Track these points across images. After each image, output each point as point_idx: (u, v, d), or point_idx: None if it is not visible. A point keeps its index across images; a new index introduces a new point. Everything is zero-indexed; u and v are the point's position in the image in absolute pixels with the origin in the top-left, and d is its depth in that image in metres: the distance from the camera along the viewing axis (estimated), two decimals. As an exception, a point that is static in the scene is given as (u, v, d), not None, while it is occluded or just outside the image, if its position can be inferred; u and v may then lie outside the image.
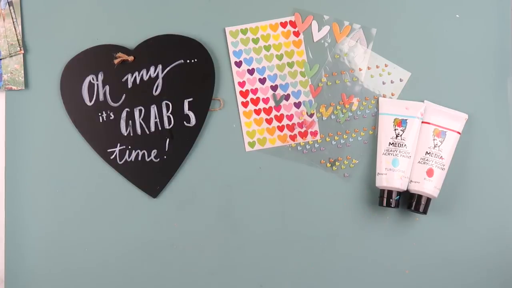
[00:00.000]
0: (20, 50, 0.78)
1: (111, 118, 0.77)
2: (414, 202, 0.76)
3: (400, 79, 0.80)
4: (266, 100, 0.79)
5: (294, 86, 0.79)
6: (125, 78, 0.78)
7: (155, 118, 0.78)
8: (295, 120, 0.79)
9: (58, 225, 0.77)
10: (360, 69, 0.80)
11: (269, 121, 0.79)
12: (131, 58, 0.77)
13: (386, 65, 0.80)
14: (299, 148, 0.79)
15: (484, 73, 0.81)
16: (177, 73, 0.78)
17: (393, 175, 0.75)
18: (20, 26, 0.79)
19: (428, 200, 0.76)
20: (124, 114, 0.78)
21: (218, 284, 0.77)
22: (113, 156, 0.77)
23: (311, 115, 0.79)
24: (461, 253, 0.79)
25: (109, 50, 0.78)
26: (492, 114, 0.80)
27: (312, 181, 0.79)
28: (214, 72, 0.78)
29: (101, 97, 0.78)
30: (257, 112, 0.79)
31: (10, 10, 0.79)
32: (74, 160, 0.77)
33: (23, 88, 0.78)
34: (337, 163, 0.79)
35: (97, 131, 0.77)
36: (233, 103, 0.79)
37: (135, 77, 0.78)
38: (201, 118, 0.78)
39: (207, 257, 0.78)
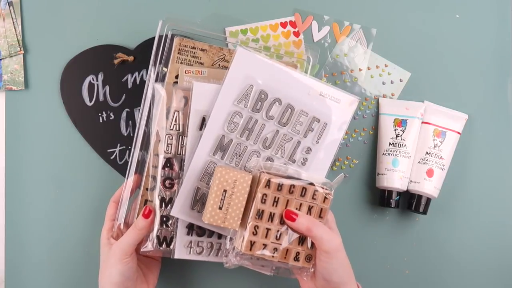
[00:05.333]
0: (20, 50, 0.78)
1: (111, 118, 0.77)
2: (414, 202, 0.76)
3: (400, 79, 0.80)
4: (266, 100, 0.79)
5: (294, 86, 0.79)
6: (125, 78, 0.78)
7: (155, 118, 0.78)
8: (295, 120, 0.79)
9: (58, 225, 0.77)
10: (360, 69, 0.80)
11: (269, 121, 0.79)
12: (131, 58, 0.77)
13: (386, 65, 0.80)
14: (299, 148, 0.79)
15: (484, 73, 0.81)
16: (177, 73, 0.78)
17: (393, 175, 0.75)
18: (20, 26, 0.79)
19: (428, 200, 0.76)
20: (124, 114, 0.78)
21: (219, 284, 0.77)
22: (113, 156, 0.77)
23: (311, 115, 0.79)
24: (461, 253, 0.79)
25: (109, 50, 0.78)
26: (492, 114, 0.80)
27: (312, 181, 0.79)
28: (214, 72, 0.78)
29: (101, 97, 0.78)
30: (257, 112, 0.79)
31: (10, 10, 0.79)
32: (74, 160, 0.77)
33: (23, 88, 0.78)
34: (337, 163, 0.79)
35: (97, 131, 0.77)
36: (233, 103, 0.79)
37: (135, 77, 0.78)
38: (201, 118, 0.78)
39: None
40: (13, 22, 0.79)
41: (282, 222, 0.62)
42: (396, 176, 0.75)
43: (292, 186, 0.61)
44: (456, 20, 0.81)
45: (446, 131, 0.77)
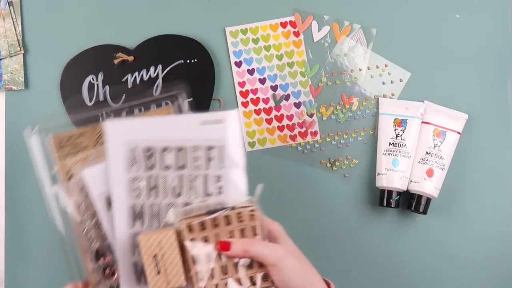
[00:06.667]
0: (20, 50, 0.78)
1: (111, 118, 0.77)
2: (414, 202, 0.76)
3: (400, 79, 0.80)
4: (266, 100, 0.79)
5: (294, 86, 0.80)
6: (125, 78, 0.78)
7: (155, 118, 0.78)
8: (295, 120, 0.79)
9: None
10: (360, 69, 0.80)
11: (269, 121, 0.79)
12: (131, 58, 0.77)
13: (386, 65, 0.80)
14: (299, 148, 0.79)
15: (484, 73, 0.81)
16: (177, 73, 0.78)
17: (393, 175, 0.75)
18: (20, 26, 0.79)
19: (428, 200, 0.76)
20: (124, 114, 0.78)
21: (218, 284, 0.77)
22: (113, 156, 0.77)
23: (311, 115, 0.79)
24: (461, 253, 0.79)
25: (109, 50, 0.78)
26: (492, 114, 0.80)
27: (312, 181, 0.79)
28: (214, 72, 0.78)
29: (101, 97, 0.78)
30: (257, 112, 0.79)
31: (10, 10, 0.79)
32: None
33: (23, 88, 0.78)
34: (337, 163, 0.79)
35: (97, 131, 0.77)
36: (233, 103, 0.79)
37: (135, 77, 0.78)
38: (201, 118, 0.78)
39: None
40: (13, 22, 0.79)
41: (221, 257, 0.60)
42: (396, 176, 0.75)
43: (214, 219, 0.61)
44: (456, 20, 0.81)
45: (446, 131, 0.77)
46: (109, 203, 0.64)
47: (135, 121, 0.65)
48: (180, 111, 0.71)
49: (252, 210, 0.61)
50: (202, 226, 0.60)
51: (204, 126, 0.65)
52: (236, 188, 0.65)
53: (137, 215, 0.64)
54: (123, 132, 0.64)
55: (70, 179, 0.66)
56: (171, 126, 0.65)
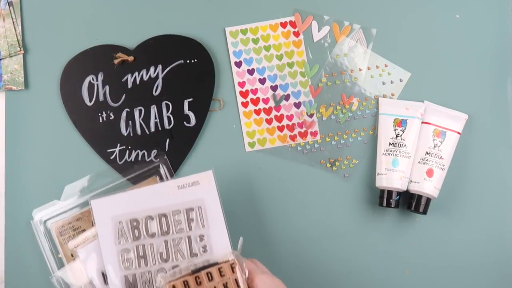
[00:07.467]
0: (20, 50, 0.78)
1: (111, 118, 0.77)
2: (414, 202, 0.76)
3: (400, 79, 0.80)
4: (266, 101, 0.79)
5: (294, 86, 0.80)
6: (125, 78, 0.78)
7: (155, 118, 0.78)
8: (295, 120, 0.79)
9: (58, 225, 0.77)
10: (360, 69, 0.80)
11: (269, 122, 0.79)
12: (131, 58, 0.78)
13: (386, 65, 0.80)
14: (299, 148, 0.79)
15: (484, 73, 0.81)
16: (177, 73, 0.78)
17: (393, 175, 0.75)
18: (20, 26, 0.79)
19: (428, 200, 0.76)
20: (124, 114, 0.78)
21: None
22: (113, 156, 0.77)
23: (311, 115, 0.79)
24: (461, 253, 0.79)
25: (109, 50, 0.78)
26: (492, 114, 0.80)
27: (312, 181, 0.79)
28: (214, 72, 0.78)
29: (101, 97, 0.78)
30: (257, 112, 0.79)
31: (10, 10, 0.79)
32: (74, 160, 0.77)
33: (23, 88, 0.78)
34: (337, 163, 0.79)
35: (97, 131, 0.77)
36: (233, 104, 0.79)
37: (135, 77, 0.78)
38: (201, 118, 0.78)
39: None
40: (13, 22, 0.79)
41: None
42: (396, 176, 0.75)
43: (197, 277, 0.62)
44: (456, 20, 0.81)
45: (446, 131, 0.77)
46: (104, 278, 0.67)
47: (117, 196, 0.68)
48: (161, 178, 0.75)
49: (232, 263, 0.63)
50: (187, 285, 0.62)
51: (181, 190, 0.68)
52: (219, 244, 0.67)
53: (131, 285, 0.66)
54: (108, 208, 0.67)
55: (74, 260, 0.70)
56: (151, 196, 0.68)
